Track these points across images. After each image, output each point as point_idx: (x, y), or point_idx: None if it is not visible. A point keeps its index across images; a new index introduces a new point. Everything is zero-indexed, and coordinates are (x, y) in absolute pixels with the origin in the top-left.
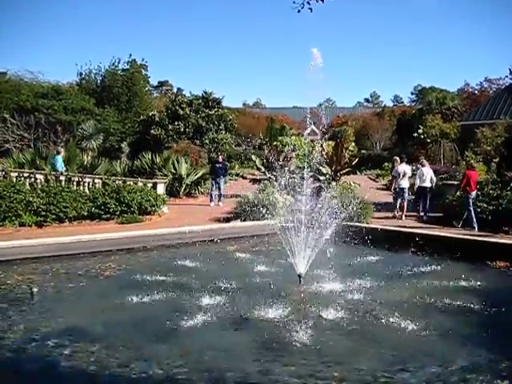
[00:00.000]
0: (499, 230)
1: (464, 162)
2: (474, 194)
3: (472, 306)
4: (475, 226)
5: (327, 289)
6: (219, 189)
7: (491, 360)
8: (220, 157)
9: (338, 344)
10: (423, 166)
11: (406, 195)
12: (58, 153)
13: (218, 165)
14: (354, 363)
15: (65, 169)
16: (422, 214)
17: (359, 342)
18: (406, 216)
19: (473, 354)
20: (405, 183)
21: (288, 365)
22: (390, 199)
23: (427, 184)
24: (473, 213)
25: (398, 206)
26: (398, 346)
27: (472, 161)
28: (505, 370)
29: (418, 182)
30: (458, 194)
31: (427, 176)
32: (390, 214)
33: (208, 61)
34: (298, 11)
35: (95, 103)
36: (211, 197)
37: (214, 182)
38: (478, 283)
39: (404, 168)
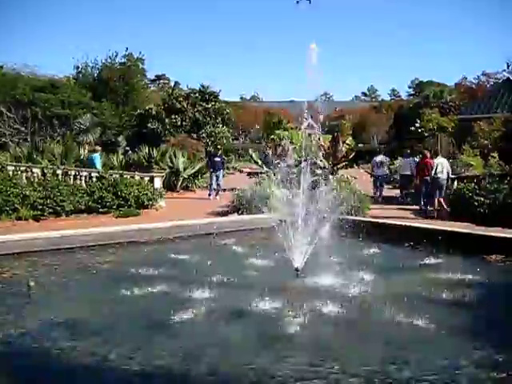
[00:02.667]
0: (496, 225)
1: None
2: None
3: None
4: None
5: (324, 282)
6: (218, 182)
7: (488, 352)
8: (219, 150)
9: (335, 336)
10: (403, 157)
11: (383, 181)
12: (95, 151)
13: (216, 158)
14: (350, 356)
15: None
16: (400, 199)
17: (356, 335)
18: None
19: (470, 346)
20: (381, 171)
21: (284, 357)
22: (388, 193)
23: (408, 172)
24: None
25: (377, 191)
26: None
27: (426, 151)
28: (501, 362)
29: (399, 171)
30: (454, 186)
31: (407, 165)
32: (385, 205)
33: (205, 55)
34: (297, 2)
35: (92, 97)
36: (210, 190)
37: (213, 176)
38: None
39: (380, 158)
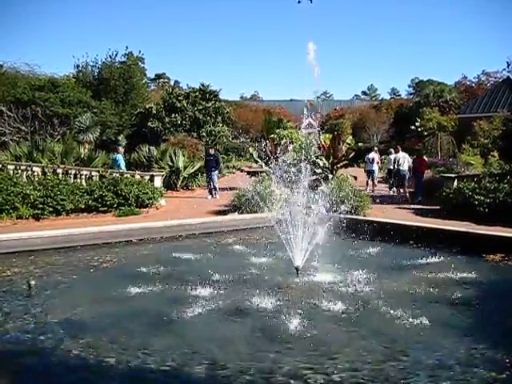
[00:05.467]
0: (496, 224)
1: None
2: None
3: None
4: (420, 198)
5: (324, 281)
6: (212, 181)
7: (487, 352)
8: (212, 149)
9: (334, 333)
10: (390, 153)
11: (375, 175)
12: (118, 152)
13: (210, 157)
14: (349, 353)
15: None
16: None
17: (355, 332)
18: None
19: (469, 345)
20: (372, 166)
21: (285, 354)
22: (385, 191)
23: (392, 167)
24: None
25: (368, 182)
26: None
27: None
28: (501, 362)
29: (387, 166)
30: (454, 185)
31: (392, 160)
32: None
33: (205, 53)
34: (299, 2)
35: (92, 96)
36: (209, 190)
37: (206, 175)
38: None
39: (372, 155)
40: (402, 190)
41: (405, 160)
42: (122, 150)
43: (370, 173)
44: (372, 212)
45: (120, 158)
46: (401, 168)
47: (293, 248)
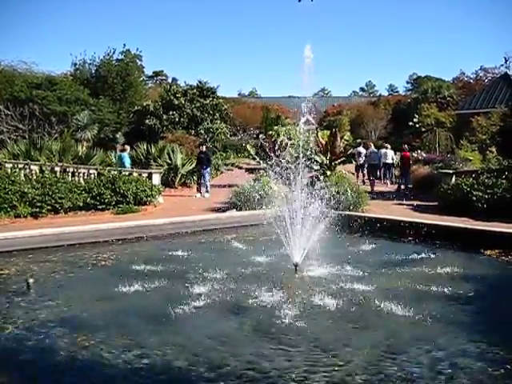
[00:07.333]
0: (494, 219)
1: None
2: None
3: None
4: (410, 185)
5: (322, 276)
6: (204, 179)
7: (488, 348)
8: (203, 146)
9: (332, 328)
10: (379, 148)
11: (364, 168)
12: (124, 150)
13: (201, 155)
14: (347, 348)
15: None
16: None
17: (352, 327)
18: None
19: (467, 340)
20: (361, 160)
21: (283, 349)
22: (384, 187)
23: (389, 161)
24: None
25: (358, 175)
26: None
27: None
28: (500, 357)
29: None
30: (452, 181)
31: (386, 155)
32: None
33: (203, 50)
34: (299, 0)
35: (89, 94)
36: (197, 187)
37: (198, 173)
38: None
39: (360, 150)
40: (371, 179)
41: (376, 154)
42: (128, 148)
43: (360, 166)
44: (370, 208)
45: (125, 156)
46: (373, 163)
47: (291, 244)
